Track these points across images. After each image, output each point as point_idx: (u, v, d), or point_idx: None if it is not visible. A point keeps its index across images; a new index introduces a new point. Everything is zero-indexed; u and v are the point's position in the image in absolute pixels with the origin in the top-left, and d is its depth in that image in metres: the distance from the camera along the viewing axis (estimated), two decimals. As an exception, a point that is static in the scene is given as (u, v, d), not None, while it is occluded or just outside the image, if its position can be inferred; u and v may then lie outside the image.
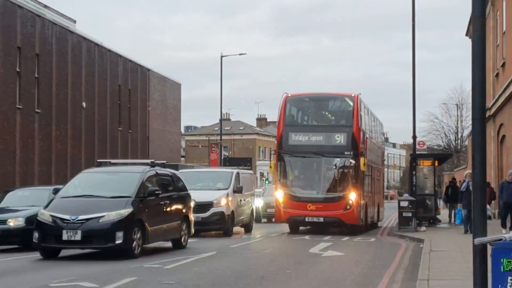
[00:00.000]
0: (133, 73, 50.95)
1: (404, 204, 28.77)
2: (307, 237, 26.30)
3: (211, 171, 28.43)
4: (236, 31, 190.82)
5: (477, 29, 5.05)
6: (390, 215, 42.54)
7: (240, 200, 24.76)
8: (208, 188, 23.42)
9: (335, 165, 26.13)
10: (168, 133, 59.62)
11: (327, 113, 28.51)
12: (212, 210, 21.39)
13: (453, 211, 34.96)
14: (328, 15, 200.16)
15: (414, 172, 31.57)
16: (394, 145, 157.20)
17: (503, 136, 31.94)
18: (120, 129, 48.45)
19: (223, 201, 21.95)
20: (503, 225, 22.91)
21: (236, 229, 26.03)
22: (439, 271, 13.50)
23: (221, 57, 56.39)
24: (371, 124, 31.10)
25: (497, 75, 32.38)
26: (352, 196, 25.31)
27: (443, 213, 36.72)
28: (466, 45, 58.14)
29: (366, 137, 28.41)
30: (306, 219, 25.65)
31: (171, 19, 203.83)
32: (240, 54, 62.50)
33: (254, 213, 28.15)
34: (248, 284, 12.64)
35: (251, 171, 28.72)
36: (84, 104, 42.73)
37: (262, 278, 13.51)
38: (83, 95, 42.65)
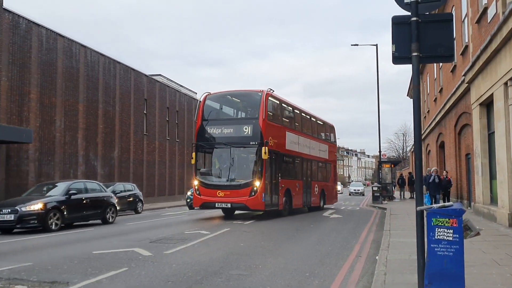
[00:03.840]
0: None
1: (375, 188, 28.34)
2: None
3: None
4: (282, 96, 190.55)
5: (416, 91, 4.95)
6: (367, 194, 42.00)
7: None
8: None
9: (242, 154, 17.39)
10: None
11: (238, 108, 19.47)
12: None
13: (401, 192, 34.48)
14: (333, 86, 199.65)
15: (380, 171, 31.42)
16: (368, 156, 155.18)
17: (429, 151, 31.46)
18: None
19: None
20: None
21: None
22: (395, 225, 13.17)
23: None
24: (294, 120, 20.95)
25: (424, 117, 31.86)
26: (257, 183, 16.40)
27: (396, 194, 35.77)
28: (406, 101, 58.81)
29: (285, 129, 19.18)
30: (216, 205, 16.91)
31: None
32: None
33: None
34: (290, 233, 12.52)
35: None
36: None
37: (297, 230, 13.38)
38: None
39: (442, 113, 22.40)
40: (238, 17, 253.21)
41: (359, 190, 50.83)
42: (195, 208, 18.12)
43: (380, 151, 32.69)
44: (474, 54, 14.51)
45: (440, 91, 23.76)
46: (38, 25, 22.24)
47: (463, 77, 16.07)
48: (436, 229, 4.48)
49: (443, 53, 4.94)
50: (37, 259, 8.10)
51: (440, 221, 4.47)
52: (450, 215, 4.45)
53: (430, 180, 18.52)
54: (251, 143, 16.78)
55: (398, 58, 4.91)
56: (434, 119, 25.69)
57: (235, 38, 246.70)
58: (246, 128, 17.22)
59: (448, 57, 5.01)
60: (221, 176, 17.30)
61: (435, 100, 26.16)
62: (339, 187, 57.83)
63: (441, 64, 22.88)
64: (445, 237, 4.46)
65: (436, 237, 4.47)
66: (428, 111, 30.07)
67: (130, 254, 8.70)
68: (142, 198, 24.18)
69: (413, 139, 29.19)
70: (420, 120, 4.98)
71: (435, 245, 4.46)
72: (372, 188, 29.42)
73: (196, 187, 17.34)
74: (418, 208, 4.75)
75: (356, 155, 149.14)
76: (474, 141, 15.70)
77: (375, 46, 30.62)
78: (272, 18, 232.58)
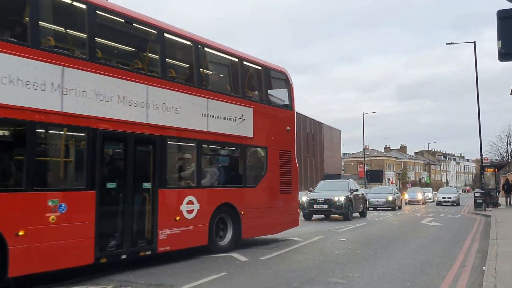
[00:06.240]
0: (314, 125, 51.28)
1: (477, 194, 26.62)
2: (418, 214, 25.05)
3: None
4: (373, 99, 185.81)
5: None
6: (465, 203, 38.77)
7: None
8: None
9: None
10: (334, 157, 59.19)
11: None
12: None
13: (508, 198, 31.92)
14: (428, 88, 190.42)
15: (482, 176, 29.55)
16: (468, 160, 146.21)
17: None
18: (308, 155, 48.74)
19: None
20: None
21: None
22: (502, 233, 12.26)
23: (363, 114, 54.86)
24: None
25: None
26: None
27: (501, 200, 33.22)
28: (510, 100, 54.30)
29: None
30: None
31: (338, 96, 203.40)
32: (374, 112, 60.66)
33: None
34: (386, 241, 12.16)
35: None
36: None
37: (394, 238, 12.96)
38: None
39: (554, 111, 20.57)
40: (327, 22, 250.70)
41: (450, 198, 37.24)
42: None
43: (481, 155, 30.68)
44: None
45: (550, 87, 21.83)
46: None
47: None
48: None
49: (556, 47, 4.56)
50: (143, 263, 8.62)
51: (560, 229, 4.13)
52: None
53: None
54: None
55: (505, 54, 4.63)
56: (544, 118, 23.65)
57: (324, 44, 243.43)
58: None
59: None
60: None
61: (544, 97, 24.07)
62: (429, 194, 48.75)
63: (550, 57, 21.03)
64: None
65: (555, 247, 4.14)
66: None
67: (228, 259, 9.01)
68: None
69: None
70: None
71: (554, 255, 4.12)
72: (474, 194, 27.63)
73: None
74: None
75: (454, 159, 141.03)
76: None
77: (473, 44, 28.96)
78: (362, 21, 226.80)
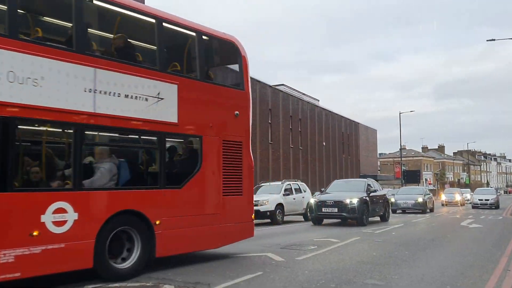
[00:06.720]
0: (350, 125, 50.64)
1: (521, 196, 25.61)
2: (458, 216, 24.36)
3: None
4: (410, 98, 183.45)
5: None
6: (506, 205, 37.07)
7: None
8: None
9: None
10: (370, 157, 58.24)
11: None
12: None
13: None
14: (467, 86, 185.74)
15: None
16: (510, 160, 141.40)
17: None
18: (344, 156, 48.20)
19: None
20: None
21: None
22: (548, 237, 11.85)
23: (400, 113, 53.96)
24: None
25: None
26: None
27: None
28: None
29: None
30: None
31: (374, 95, 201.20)
32: (411, 111, 59.27)
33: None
34: (425, 243, 11.89)
35: None
36: (324, 143, 43.17)
37: (433, 240, 12.67)
38: (323, 138, 43.06)
39: None
40: (363, 21, 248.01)
41: (487, 200, 33.12)
42: None
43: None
44: None
45: None
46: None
47: None
48: None
49: None
50: (181, 261, 8.75)
51: None
52: None
53: None
54: None
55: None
56: None
57: (360, 43, 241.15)
58: None
59: None
60: None
61: None
62: (468, 195, 45.42)
63: None
64: None
65: None
66: None
67: (264, 259, 9.00)
68: None
69: None
70: None
71: None
72: (518, 196, 26.60)
73: None
74: None
75: (495, 159, 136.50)
76: None
77: (515, 39, 27.90)
78: (399, 19, 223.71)
